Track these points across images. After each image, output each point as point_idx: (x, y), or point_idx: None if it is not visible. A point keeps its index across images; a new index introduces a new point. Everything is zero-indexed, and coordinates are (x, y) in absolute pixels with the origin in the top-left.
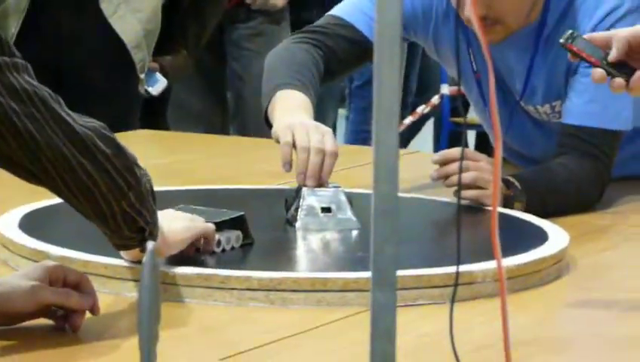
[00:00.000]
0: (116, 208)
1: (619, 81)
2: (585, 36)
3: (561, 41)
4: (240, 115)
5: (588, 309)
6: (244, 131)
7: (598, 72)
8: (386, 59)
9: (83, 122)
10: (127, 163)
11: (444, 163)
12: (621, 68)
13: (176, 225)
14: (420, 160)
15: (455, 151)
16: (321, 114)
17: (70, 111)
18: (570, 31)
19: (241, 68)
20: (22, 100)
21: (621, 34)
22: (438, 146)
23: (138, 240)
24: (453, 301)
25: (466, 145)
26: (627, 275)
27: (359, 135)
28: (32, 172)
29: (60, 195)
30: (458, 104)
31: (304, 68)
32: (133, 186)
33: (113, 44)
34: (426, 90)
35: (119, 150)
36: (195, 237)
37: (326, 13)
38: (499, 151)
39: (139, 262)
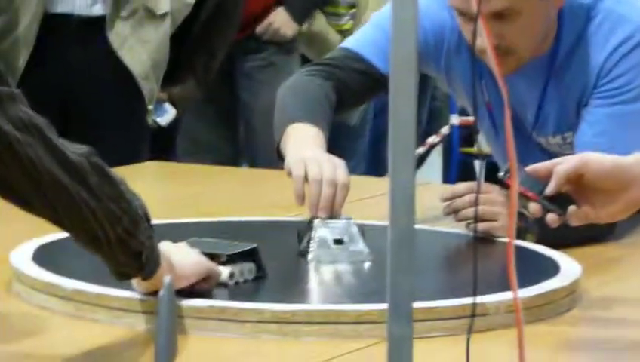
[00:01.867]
0: (111, 234)
1: (551, 216)
2: (527, 169)
3: (500, 175)
4: (250, 145)
5: (599, 342)
6: (254, 162)
7: (534, 206)
8: (402, 92)
9: (74, 149)
10: (117, 189)
11: (453, 198)
12: (561, 201)
13: (187, 258)
14: (431, 191)
15: (463, 187)
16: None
17: (62, 140)
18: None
19: (251, 98)
20: (21, 129)
21: (561, 168)
22: (447, 176)
23: (136, 266)
24: (470, 332)
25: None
26: None
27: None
28: (30, 200)
29: (56, 223)
30: (473, 133)
31: (316, 101)
32: (126, 211)
33: (121, 75)
34: (435, 120)
35: (109, 176)
36: (205, 274)
37: (337, 46)
38: (515, 183)
39: (151, 294)
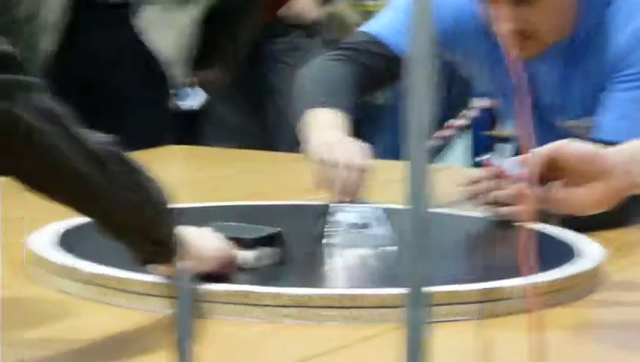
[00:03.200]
0: (132, 222)
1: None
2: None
3: (478, 159)
4: (278, 128)
5: (620, 326)
6: (281, 146)
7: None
8: (418, 79)
9: (95, 139)
10: (138, 177)
11: (471, 184)
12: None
13: (209, 244)
14: (453, 174)
15: (479, 173)
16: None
17: (84, 129)
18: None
19: (278, 81)
20: (41, 119)
21: (536, 152)
22: (474, 160)
23: (157, 252)
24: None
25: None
26: None
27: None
28: (50, 189)
29: (79, 211)
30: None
31: (337, 85)
32: (147, 199)
33: (148, 60)
34: (460, 104)
35: (129, 165)
36: (226, 259)
37: (357, 30)
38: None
39: (171, 277)
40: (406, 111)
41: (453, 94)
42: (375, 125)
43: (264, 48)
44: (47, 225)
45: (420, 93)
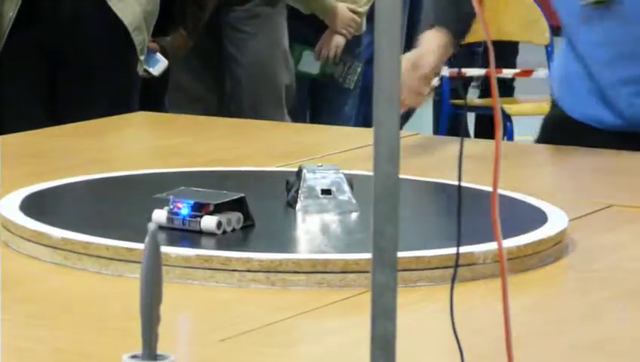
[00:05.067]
0: None
1: None
2: None
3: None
4: (236, 96)
5: (586, 291)
6: (240, 113)
7: None
8: (386, 40)
9: None
10: None
11: None
12: None
13: None
14: (419, 142)
15: None
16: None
17: None
18: None
19: (236, 50)
20: None
21: None
22: (437, 129)
23: None
24: (453, 282)
25: (466, 130)
26: (628, 257)
27: (357, 116)
28: None
29: None
30: (458, 86)
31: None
32: None
33: (113, 26)
34: None
35: None
36: None
37: None
38: (499, 132)
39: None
40: (375, 74)
41: None
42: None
43: (223, 16)
44: (18, 190)
45: (388, 56)
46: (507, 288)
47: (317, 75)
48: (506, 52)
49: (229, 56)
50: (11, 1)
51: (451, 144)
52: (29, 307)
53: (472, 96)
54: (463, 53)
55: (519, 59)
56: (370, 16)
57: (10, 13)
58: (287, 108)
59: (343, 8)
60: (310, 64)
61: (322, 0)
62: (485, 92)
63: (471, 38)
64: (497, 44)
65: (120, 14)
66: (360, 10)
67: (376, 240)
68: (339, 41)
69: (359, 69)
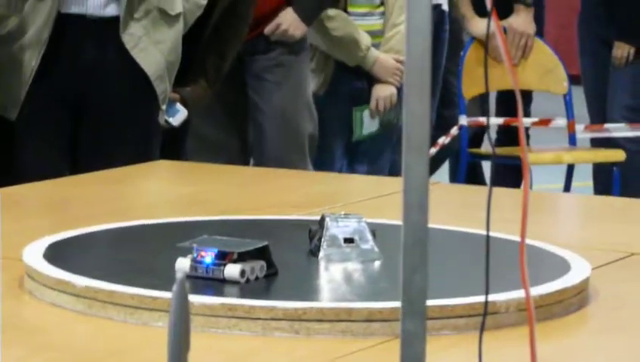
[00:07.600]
0: None
1: None
2: None
3: None
4: (259, 145)
5: (609, 340)
6: (263, 163)
7: None
8: (415, 89)
9: None
10: None
11: None
12: None
13: None
14: (440, 191)
15: None
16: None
17: None
18: None
19: (260, 99)
20: None
21: None
22: (455, 177)
23: None
24: (482, 332)
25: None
26: None
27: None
28: None
29: None
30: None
31: None
32: None
33: (135, 76)
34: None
35: None
36: None
37: None
38: (527, 178)
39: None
40: (405, 123)
41: (443, 115)
42: None
43: (247, 65)
44: (42, 238)
45: (418, 106)
46: (534, 337)
47: (379, 131)
48: (522, 101)
49: (252, 105)
50: (34, 50)
51: (472, 193)
52: (54, 355)
53: (488, 146)
54: (474, 102)
55: (533, 107)
56: None
57: (33, 62)
58: (311, 157)
59: (386, 58)
60: (368, 124)
61: (367, 51)
62: (501, 141)
63: (494, 86)
64: (513, 93)
65: (142, 64)
66: (404, 58)
67: (406, 288)
68: (392, 90)
69: None
